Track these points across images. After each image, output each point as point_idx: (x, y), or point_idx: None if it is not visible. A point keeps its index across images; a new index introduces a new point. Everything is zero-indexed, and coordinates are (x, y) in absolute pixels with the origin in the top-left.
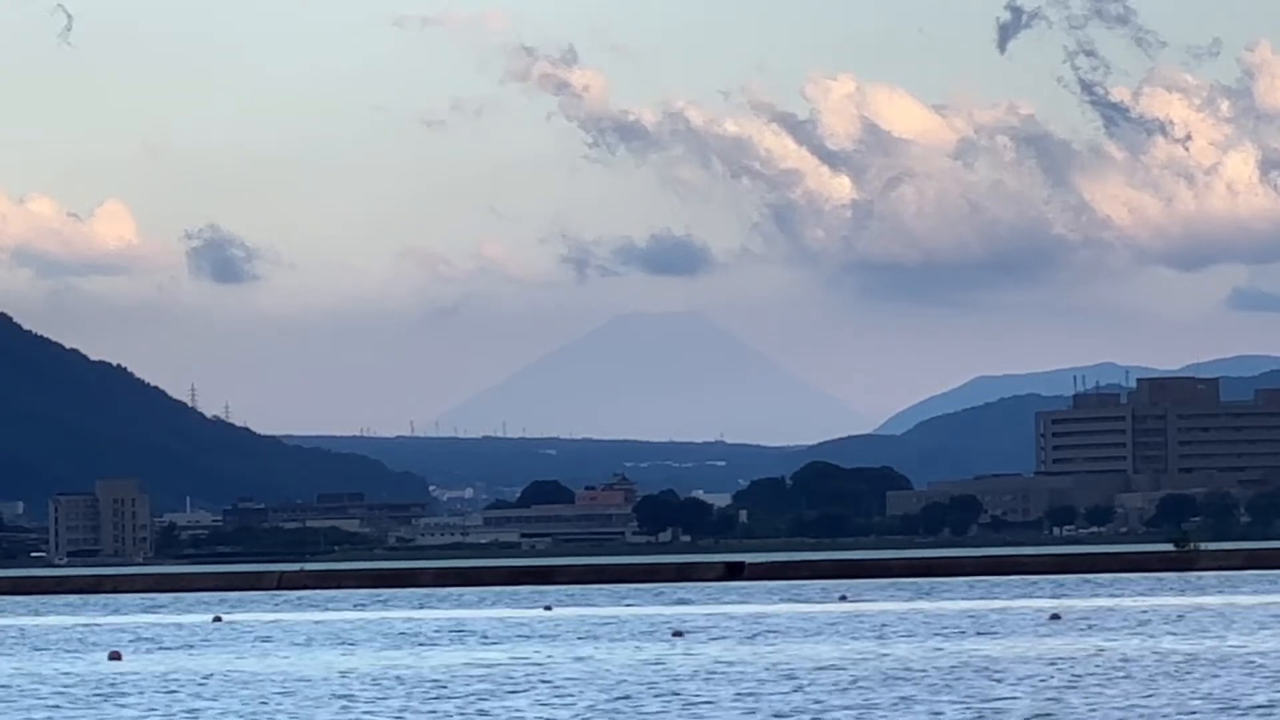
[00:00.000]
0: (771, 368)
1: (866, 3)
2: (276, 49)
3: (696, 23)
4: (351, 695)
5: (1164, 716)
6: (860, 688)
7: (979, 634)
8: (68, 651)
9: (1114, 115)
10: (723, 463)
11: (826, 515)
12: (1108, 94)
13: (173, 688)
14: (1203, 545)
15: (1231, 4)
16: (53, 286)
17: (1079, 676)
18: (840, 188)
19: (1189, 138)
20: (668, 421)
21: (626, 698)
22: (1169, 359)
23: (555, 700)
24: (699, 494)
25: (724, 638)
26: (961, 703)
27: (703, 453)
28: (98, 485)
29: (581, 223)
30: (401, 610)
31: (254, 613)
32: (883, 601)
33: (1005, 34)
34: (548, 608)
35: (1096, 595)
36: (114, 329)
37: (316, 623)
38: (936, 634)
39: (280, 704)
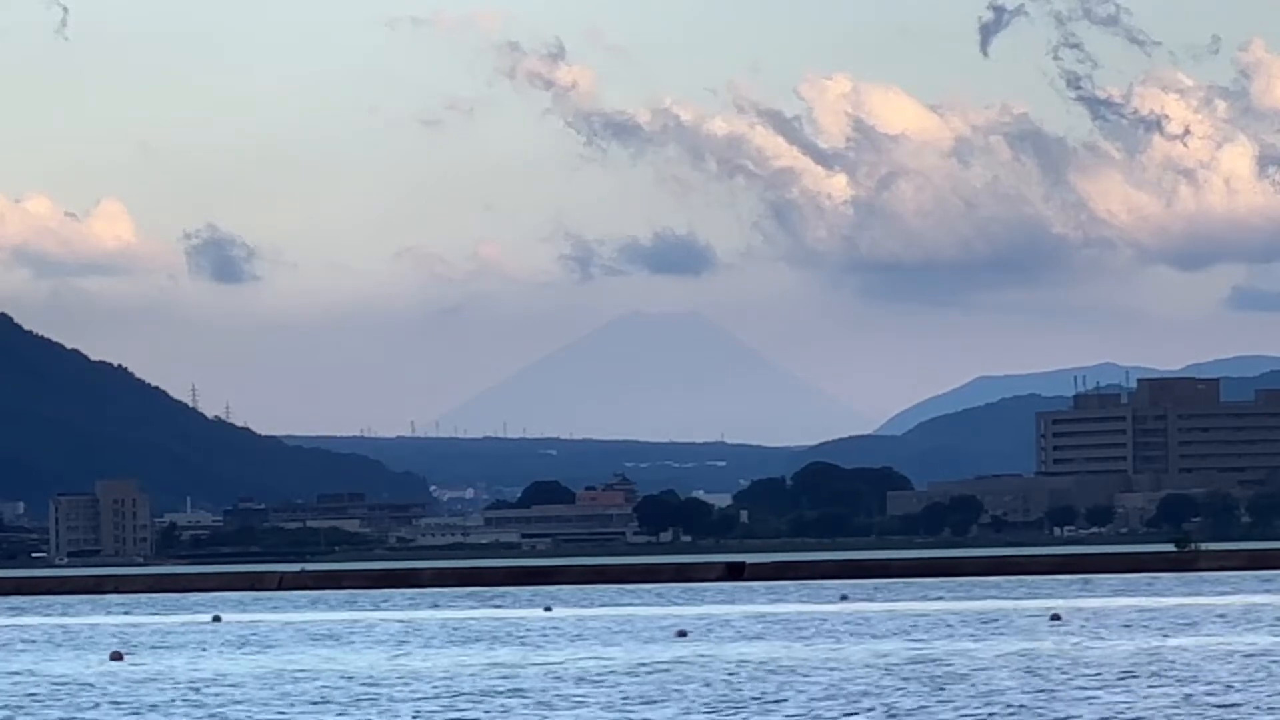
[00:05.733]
0: (771, 368)
1: (861, 3)
2: (272, 49)
3: (691, 22)
4: (350, 696)
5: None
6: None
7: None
8: (68, 651)
9: (1101, 110)
10: (723, 463)
11: (827, 515)
12: (1095, 89)
13: (172, 687)
14: (1203, 545)
15: (1226, 3)
16: (52, 286)
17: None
18: (837, 187)
19: (1187, 132)
20: (668, 421)
21: (629, 698)
22: (1169, 359)
23: (556, 701)
24: (699, 494)
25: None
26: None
27: (703, 453)
28: (98, 485)
29: (581, 222)
30: (401, 611)
31: (254, 613)
32: (882, 602)
33: (987, 33)
34: (548, 608)
35: (1097, 595)
36: (114, 329)
37: (316, 623)
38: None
39: (280, 704)
